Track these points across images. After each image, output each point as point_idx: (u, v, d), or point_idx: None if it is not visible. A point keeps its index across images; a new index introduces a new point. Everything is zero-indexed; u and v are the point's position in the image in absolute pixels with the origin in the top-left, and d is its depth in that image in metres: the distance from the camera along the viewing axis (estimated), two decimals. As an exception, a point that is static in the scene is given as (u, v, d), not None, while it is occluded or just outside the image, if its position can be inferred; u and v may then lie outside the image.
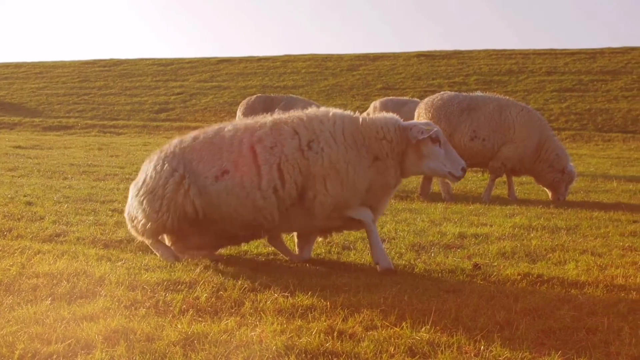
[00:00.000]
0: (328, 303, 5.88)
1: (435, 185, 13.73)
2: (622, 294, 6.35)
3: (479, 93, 13.77)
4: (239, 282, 6.44)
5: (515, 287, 6.50)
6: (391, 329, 5.32)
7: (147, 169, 7.53)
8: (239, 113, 15.62)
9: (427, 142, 7.43)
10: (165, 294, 6.08)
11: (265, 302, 5.91)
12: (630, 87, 34.48)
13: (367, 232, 7.43)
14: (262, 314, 5.61)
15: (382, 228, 9.29)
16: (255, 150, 7.25)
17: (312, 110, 7.63)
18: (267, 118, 7.55)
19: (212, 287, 6.30)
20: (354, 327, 5.35)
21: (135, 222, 7.50)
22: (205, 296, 6.02)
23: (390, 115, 7.78)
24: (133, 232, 7.66)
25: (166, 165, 7.36)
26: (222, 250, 7.90)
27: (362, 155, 7.36)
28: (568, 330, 5.42)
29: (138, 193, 7.46)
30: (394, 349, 4.94)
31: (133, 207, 7.53)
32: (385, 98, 21.05)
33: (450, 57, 43.95)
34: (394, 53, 46.64)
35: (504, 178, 13.75)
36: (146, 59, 50.38)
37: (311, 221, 7.40)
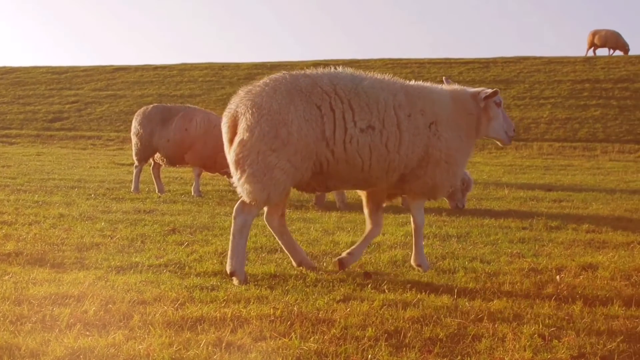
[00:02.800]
0: (218, 315, 5.86)
1: (330, 194, 13.79)
2: (509, 300, 6.47)
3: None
4: (129, 295, 6.37)
5: (405, 296, 6.56)
6: (280, 339, 5.32)
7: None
8: (135, 123, 15.35)
9: (492, 105, 7.99)
10: (53, 308, 5.96)
11: (155, 314, 5.85)
12: (523, 96, 35.25)
13: (416, 233, 7.76)
14: (151, 327, 5.55)
15: (275, 238, 9.29)
16: (398, 114, 7.42)
17: (429, 88, 7.93)
18: (394, 80, 7.74)
19: (101, 300, 6.20)
20: (242, 338, 5.34)
21: None
22: (94, 310, 5.93)
23: (458, 87, 8.22)
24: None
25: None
26: (112, 262, 7.79)
27: (462, 140, 7.83)
28: (454, 337, 5.52)
29: None
30: (282, 360, 4.96)
31: None
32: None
33: (347, 65, 44.07)
34: (291, 62, 46.66)
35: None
36: (40, 67, 49.34)
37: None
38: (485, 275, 7.47)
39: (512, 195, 15.30)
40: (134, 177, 15.25)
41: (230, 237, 7.26)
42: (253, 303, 6.25)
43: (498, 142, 8.36)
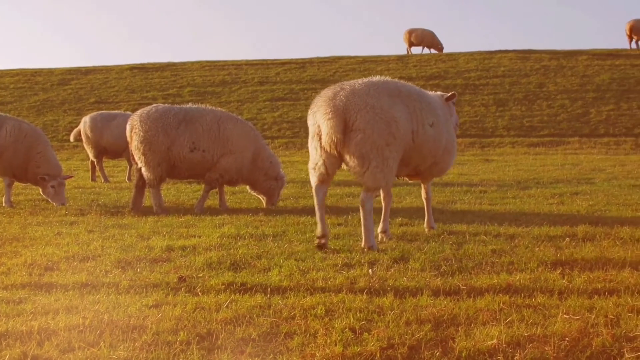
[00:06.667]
0: (24, 328, 5.66)
1: (148, 199, 13.61)
2: (321, 296, 6.54)
3: (190, 105, 13.75)
4: None
5: (218, 297, 6.53)
6: (88, 350, 5.20)
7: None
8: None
9: (452, 105, 10.13)
10: None
11: (-45, 332, 5.60)
12: (339, 95, 35.79)
13: (428, 204, 10.17)
14: (-49, 346, 5.31)
15: (88, 246, 9.11)
16: (440, 114, 9.40)
17: (433, 96, 9.82)
18: (428, 95, 9.60)
19: None
20: (49, 351, 5.18)
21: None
22: None
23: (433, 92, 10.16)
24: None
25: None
26: None
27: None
28: (267, 336, 5.53)
29: None
30: (90, 371, 4.84)
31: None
32: (95, 113, 20.71)
33: (163, 69, 43.77)
34: (106, 66, 45.91)
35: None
36: None
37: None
38: (299, 272, 7.51)
39: (330, 192, 15.49)
40: (-61, 189, 14.59)
41: (363, 221, 8.81)
42: (62, 314, 6.08)
43: None
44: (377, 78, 9.07)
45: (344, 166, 8.81)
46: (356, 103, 8.53)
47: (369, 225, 8.78)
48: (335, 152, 8.60)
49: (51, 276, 7.61)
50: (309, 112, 8.95)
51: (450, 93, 10.16)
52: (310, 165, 8.95)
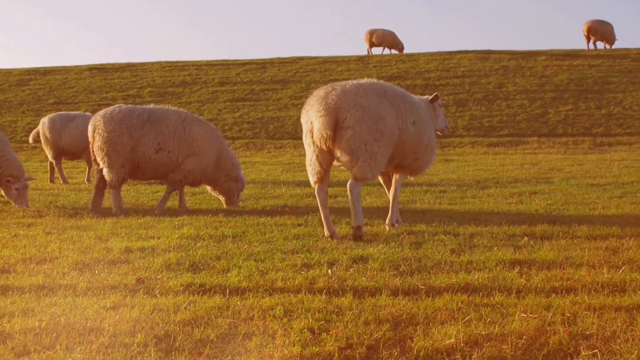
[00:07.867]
0: (-21, 332, 5.60)
1: (107, 200, 13.51)
2: (280, 297, 6.53)
3: (152, 105, 13.65)
4: None
5: (176, 299, 6.50)
6: (44, 353, 5.15)
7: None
8: None
9: (437, 106, 10.95)
10: None
11: None
12: (299, 95, 35.77)
13: (394, 201, 10.44)
14: None
15: (45, 248, 9.02)
16: (422, 113, 10.04)
17: (416, 98, 10.40)
18: (411, 96, 10.14)
19: None
20: (4, 354, 5.12)
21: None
22: None
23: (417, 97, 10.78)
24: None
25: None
26: None
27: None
28: (225, 337, 5.51)
29: None
30: (46, 374, 4.79)
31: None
32: (54, 114, 20.55)
33: (123, 69, 43.48)
34: (65, 67, 45.52)
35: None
36: None
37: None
38: (258, 273, 7.48)
39: (289, 192, 15.51)
40: None
41: (352, 205, 9.47)
42: (18, 317, 6.01)
43: (439, 132, 11.08)
44: (365, 80, 9.78)
45: (335, 162, 9.49)
46: (346, 102, 9.22)
47: (357, 208, 9.44)
48: (324, 147, 9.27)
49: (7, 279, 7.53)
50: (303, 110, 9.57)
51: (433, 95, 11.02)
52: (307, 162, 9.65)
